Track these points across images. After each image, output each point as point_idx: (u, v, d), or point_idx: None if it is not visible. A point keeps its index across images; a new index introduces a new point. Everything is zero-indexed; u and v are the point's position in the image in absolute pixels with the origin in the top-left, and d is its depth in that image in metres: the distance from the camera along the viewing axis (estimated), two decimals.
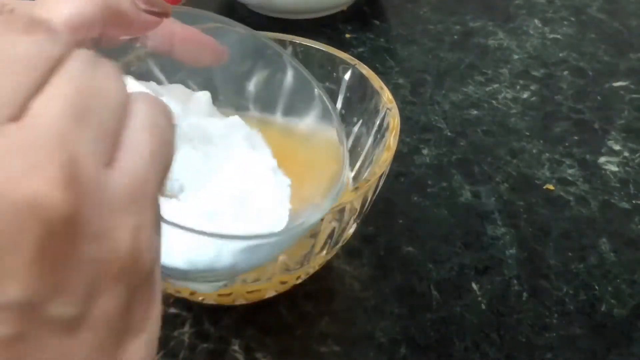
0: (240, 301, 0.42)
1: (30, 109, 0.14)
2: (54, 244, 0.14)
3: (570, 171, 0.54)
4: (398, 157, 0.44)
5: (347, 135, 0.48)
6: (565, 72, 0.66)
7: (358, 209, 0.39)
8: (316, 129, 0.47)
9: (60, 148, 0.14)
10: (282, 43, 0.48)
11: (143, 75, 0.47)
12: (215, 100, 0.51)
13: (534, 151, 0.56)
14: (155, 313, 0.17)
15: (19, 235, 0.13)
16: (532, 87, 0.64)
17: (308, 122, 0.46)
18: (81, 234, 0.14)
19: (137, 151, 0.16)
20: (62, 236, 0.14)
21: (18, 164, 0.13)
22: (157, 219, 0.17)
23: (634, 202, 0.51)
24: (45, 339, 0.14)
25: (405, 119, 0.59)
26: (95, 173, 0.15)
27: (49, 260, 0.14)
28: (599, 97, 0.62)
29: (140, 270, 0.16)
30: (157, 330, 0.17)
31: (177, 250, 0.27)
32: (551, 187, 0.53)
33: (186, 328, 0.42)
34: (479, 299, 0.44)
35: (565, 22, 0.73)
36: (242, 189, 0.33)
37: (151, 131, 0.16)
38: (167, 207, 0.30)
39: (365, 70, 0.45)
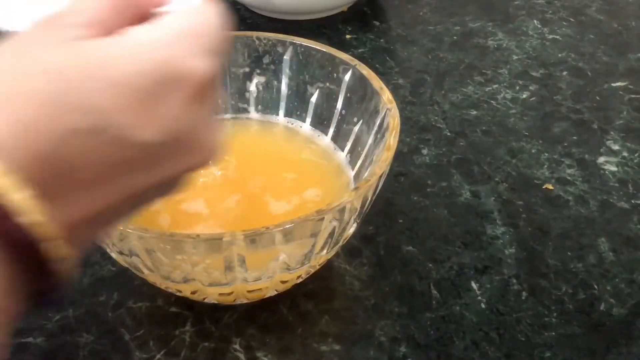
0: (241, 300, 0.42)
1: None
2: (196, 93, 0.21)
3: (569, 171, 0.54)
4: (398, 157, 0.44)
5: (347, 135, 0.48)
6: (565, 73, 0.66)
7: (358, 209, 0.39)
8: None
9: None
10: (283, 43, 0.48)
11: None
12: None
13: (533, 151, 0.56)
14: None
15: (173, 86, 0.20)
16: (532, 88, 0.64)
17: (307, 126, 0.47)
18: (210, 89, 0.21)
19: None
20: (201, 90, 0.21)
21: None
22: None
23: (632, 201, 0.52)
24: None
25: (405, 119, 0.59)
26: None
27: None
28: (598, 97, 0.63)
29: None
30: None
31: None
32: (550, 186, 0.53)
33: (187, 327, 0.43)
34: (479, 298, 0.45)
35: (564, 23, 0.73)
36: None
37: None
38: None
39: (366, 70, 0.46)
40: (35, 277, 0.18)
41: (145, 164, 0.20)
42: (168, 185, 0.22)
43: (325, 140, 0.49)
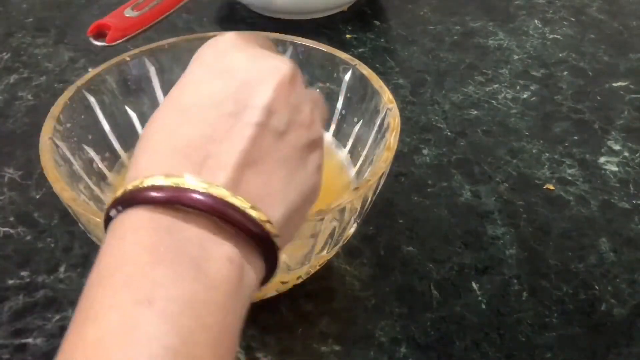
0: None
1: None
2: (283, 86, 0.28)
3: (570, 171, 0.54)
4: (398, 157, 0.44)
5: (348, 135, 0.48)
6: (565, 72, 0.66)
7: (358, 209, 0.39)
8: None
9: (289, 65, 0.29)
10: (283, 43, 0.48)
11: (140, 75, 0.48)
12: None
13: (534, 151, 0.56)
14: (320, 158, 0.30)
15: (270, 77, 0.28)
16: (532, 87, 0.64)
17: None
18: (294, 87, 0.29)
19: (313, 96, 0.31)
20: (288, 82, 0.28)
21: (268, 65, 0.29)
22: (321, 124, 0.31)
23: (633, 201, 0.52)
24: (269, 139, 0.27)
25: (405, 119, 0.59)
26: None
27: (279, 92, 0.28)
28: (598, 97, 0.63)
29: (314, 131, 0.29)
30: (320, 165, 0.30)
31: None
32: (551, 187, 0.53)
33: None
34: (479, 298, 0.44)
35: (565, 23, 0.73)
36: None
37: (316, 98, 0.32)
38: None
39: (366, 70, 0.46)
40: (268, 264, 0.27)
41: (273, 131, 0.27)
42: (307, 155, 0.29)
43: (326, 140, 0.49)
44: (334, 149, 0.48)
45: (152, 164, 0.25)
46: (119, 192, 0.25)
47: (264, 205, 0.26)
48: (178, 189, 0.24)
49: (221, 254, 0.24)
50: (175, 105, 0.28)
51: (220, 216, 0.24)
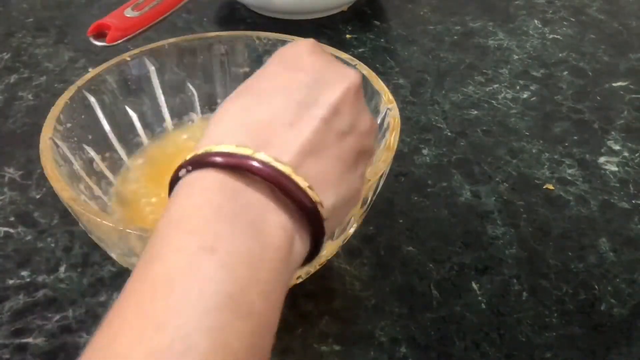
0: None
1: None
2: (350, 91, 0.30)
3: (570, 171, 0.54)
4: (398, 157, 0.44)
5: None
6: (565, 72, 0.66)
7: (358, 209, 0.39)
8: None
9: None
10: (283, 43, 0.48)
11: (140, 75, 0.48)
12: (213, 102, 0.51)
13: (534, 151, 0.56)
14: (367, 168, 0.32)
15: (341, 80, 0.31)
16: (532, 87, 0.64)
17: None
18: (359, 96, 0.31)
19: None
20: (354, 90, 0.31)
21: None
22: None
23: (633, 201, 0.52)
24: (331, 136, 0.29)
25: (405, 119, 0.59)
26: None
27: (347, 96, 0.30)
28: (598, 97, 0.63)
29: (369, 141, 0.32)
30: (365, 174, 0.32)
31: None
32: (551, 187, 0.53)
33: None
34: (479, 298, 0.44)
35: (565, 23, 0.73)
36: None
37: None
38: None
39: (366, 70, 0.46)
40: (313, 246, 0.29)
41: (335, 129, 0.29)
42: (358, 161, 0.31)
43: None
44: None
45: (224, 135, 0.28)
46: (190, 155, 0.27)
47: (318, 191, 0.28)
48: (247, 157, 0.27)
49: (277, 221, 0.26)
50: (250, 90, 0.30)
51: (281, 187, 0.27)
